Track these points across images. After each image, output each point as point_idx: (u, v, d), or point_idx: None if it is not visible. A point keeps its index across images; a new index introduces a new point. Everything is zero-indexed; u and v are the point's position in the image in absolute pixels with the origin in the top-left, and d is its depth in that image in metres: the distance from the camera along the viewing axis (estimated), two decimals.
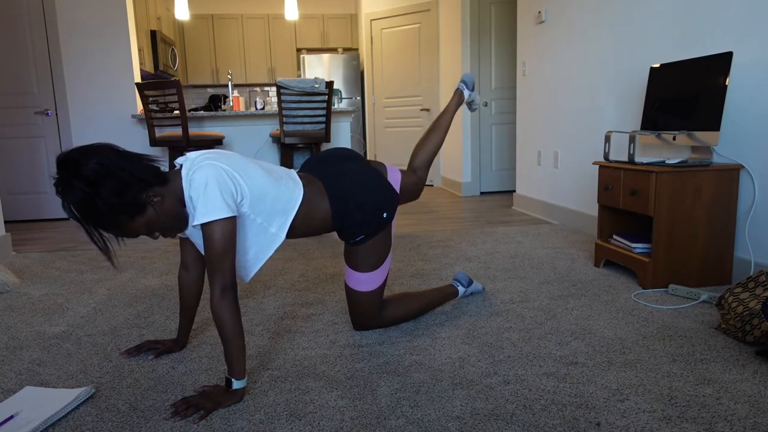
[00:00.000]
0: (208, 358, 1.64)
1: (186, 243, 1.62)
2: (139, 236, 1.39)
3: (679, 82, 2.32)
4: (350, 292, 1.77)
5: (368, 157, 6.89)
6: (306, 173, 1.69)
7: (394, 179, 1.79)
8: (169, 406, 1.35)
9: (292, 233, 1.58)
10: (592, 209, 3.37)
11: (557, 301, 2.09)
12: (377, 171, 1.72)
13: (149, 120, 3.76)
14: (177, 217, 1.41)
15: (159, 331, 1.90)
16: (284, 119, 3.72)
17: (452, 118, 2.14)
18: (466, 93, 2.22)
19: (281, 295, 2.28)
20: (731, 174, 2.15)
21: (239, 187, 1.39)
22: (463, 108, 5.28)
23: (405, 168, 2.04)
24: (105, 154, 1.27)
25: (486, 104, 5.34)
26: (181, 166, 1.41)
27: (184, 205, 1.41)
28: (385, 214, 1.66)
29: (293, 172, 1.63)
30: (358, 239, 1.67)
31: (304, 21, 7.70)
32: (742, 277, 2.19)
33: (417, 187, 1.96)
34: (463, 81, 2.22)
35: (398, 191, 1.81)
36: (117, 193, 1.26)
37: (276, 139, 4.04)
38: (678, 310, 1.96)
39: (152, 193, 1.34)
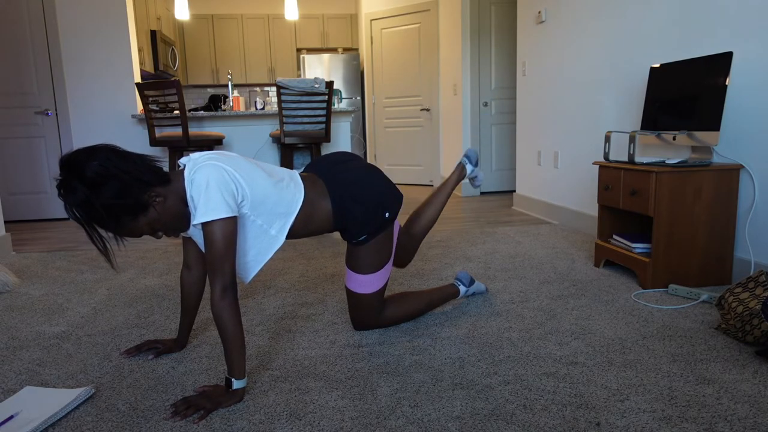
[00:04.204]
0: (208, 358, 1.64)
1: (189, 243, 1.62)
2: (142, 236, 1.41)
3: (679, 82, 2.32)
4: (351, 295, 1.77)
5: (368, 157, 6.89)
6: (309, 173, 1.70)
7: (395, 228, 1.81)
8: (169, 406, 1.35)
9: (292, 234, 1.58)
10: (592, 209, 3.37)
11: (557, 301, 2.09)
12: (379, 170, 1.73)
13: (149, 120, 3.76)
14: (180, 217, 1.42)
15: (159, 331, 1.90)
16: (284, 119, 3.72)
17: (450, 192, 2.15)
18: (469, 168, 2.22)
19: (281, 295, 2.28)
20: (731, 174, 2.15)
21: (240, 188, 1.39)
22: (464, 107, 5.28)
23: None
24: (107, 155, 1.28)
25: (486, 104, 5.34)
26: (185, 166, 1.42)
27: (187, 205, 1.41)
28: (387, 213, 1.66)
29: (296, 174, 1.63)
30: (361, 239, 1.66)
31: (304, 21, 7.70)
32: (742, 277, 2.19)
33: (410, 249, 2.02)
34: (466, 155, 2.22)
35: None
36: (118, 194, 1.27)
37: (276, 139, 4.04)
38: (678, 310, 1.96)
39: (154, 193, 1.35)
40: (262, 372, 1.54)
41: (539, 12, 3.89)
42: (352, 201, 1.61)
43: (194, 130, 4.12)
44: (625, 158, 2.69)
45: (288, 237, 1.58)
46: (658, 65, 2.48)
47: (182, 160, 1.45)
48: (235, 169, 1.40)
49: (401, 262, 2.07)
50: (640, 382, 1.42)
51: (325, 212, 1.61)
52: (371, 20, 6.47)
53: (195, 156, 1.43)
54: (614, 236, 2.48)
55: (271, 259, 2.91)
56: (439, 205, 2.11)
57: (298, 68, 7.73)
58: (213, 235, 1.32)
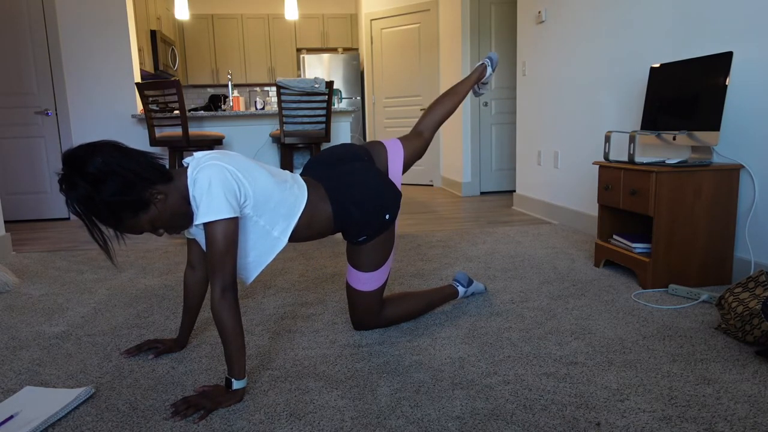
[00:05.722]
0: (208, 358, 1.64)
1: (193, 242, 1.62)
2: (143, 233, 1.40)
3: (679, 82, 2.32)
4: (351, 291, 1.77)
5: None
6: (308, 177, 1.70)
7: (396, 158, 1.79)
8: (169, 406, 1.35)
9: (295, 237, 1.58)
10: (592, 209, 3.37)
11: (557, 301, 2.09)
12: (379, 171, 1.72)
13: (149, 120, 3.76)
14: (181, 215, 1.42)
15: (159, 331, 1.90)
16: (284, 119, 3.72)
17: (470, 88, 2.14)
18: (488, 71, 2.22)
19: (281, 295, 2.28)
20: (731, 174, 2.15)
21: (243, 189, 1.39)
22: (464, 107, 5.28)
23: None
24: (109, 152, 1.28)
25: (486, 104, 5.34)
26: (188, 165, 1.42)
27: (189, 203, 1.41)
28: (387, 216, 1.66)
29: (298, 177, 1.63)
30: (360, 239, 1.67)
31: (304, 21, 7.70)
32: (742, 277, 2.19)
33: (422, 149, 1.98)
34: (489, 58, 2.22)
35: (402, 168, 1.81)
36: (120, 191, 1.27)
37: (276, 139, 4.04)
38: (678, 310, 1.96)
39: (155, 190, 1.34)
40: (262, 372, 1.54)
41: (539, 12, 3.89)
42: (351, 204, 1.61)
43: (194, 130, 4.12)
44: (625, 158, 2.69)
45: (290, 240, 1.58)
46: (658, 65, 2.48)
47: (186, 160, 1.45)
48: (238, 170, 1.40)
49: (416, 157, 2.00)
50: (640, 382, 1.42)
51: (327, 215, 1.61)
52: (371, 20, 6.47)
53: (198, 155, 1.42)
54: (614, 236, 2.48)
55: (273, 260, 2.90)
56: (458, 98, 2.07)
57: (298, 68, 7.73)
58: (214, 235, 1.32)
